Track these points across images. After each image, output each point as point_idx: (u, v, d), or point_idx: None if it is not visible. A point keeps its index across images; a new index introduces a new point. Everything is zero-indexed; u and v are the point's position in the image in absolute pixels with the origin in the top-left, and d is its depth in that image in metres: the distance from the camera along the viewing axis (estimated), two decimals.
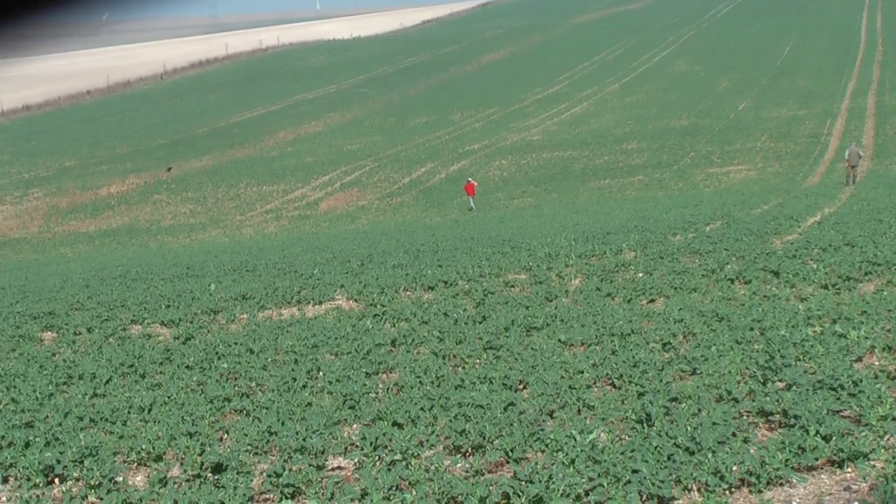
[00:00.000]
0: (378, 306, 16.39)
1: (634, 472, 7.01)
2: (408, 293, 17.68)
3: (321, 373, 11.51)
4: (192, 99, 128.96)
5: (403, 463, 7.90)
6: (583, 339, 11.98)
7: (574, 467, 7.24)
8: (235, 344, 13.77)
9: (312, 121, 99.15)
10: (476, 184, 50.94)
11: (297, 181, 66.52)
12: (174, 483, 7.93)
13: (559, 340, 12.02)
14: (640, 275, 17.11)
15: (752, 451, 7.31)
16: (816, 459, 7.19)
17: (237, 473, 7.90)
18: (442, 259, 21.90)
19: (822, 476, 7.08)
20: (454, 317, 14.35)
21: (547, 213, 40.67)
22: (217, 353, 13.29)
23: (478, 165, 65.19)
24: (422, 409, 9.28)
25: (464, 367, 11.27)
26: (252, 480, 7.82)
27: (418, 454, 8.06)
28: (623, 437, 8.09)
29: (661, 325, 12.23)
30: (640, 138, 67.65)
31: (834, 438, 7.38)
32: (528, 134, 77.25)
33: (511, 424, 8.44)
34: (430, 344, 12.57)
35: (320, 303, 17.63)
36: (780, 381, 9.17)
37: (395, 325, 14.48)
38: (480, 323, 13.78)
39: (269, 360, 12.60)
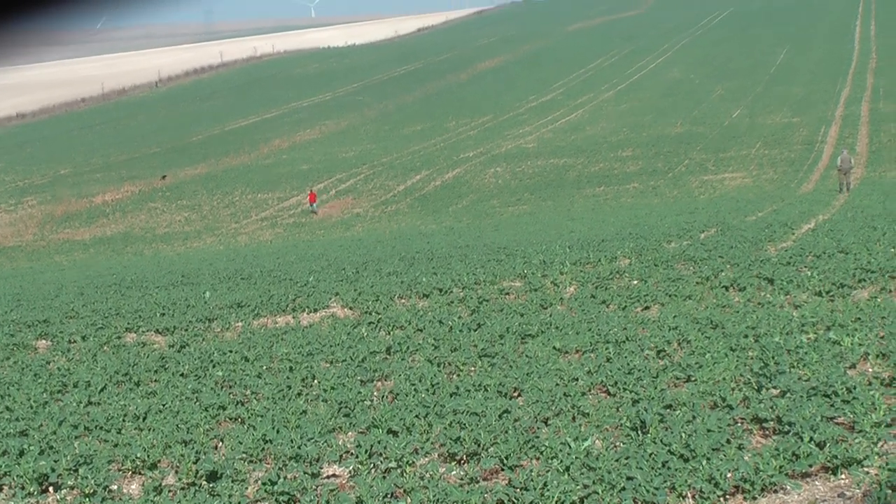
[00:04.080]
0: (373, 314, 16.39)
1: (629, 479, 7.03)
2: (403, 301, 17.68)
3: (316, 380, 11.51)
4: (186, 106, 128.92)
5: (398, 470, 7.90)
6: (578, 347, 11.99)
7: (569, 474, 7.25)
8: (230, 352, 13.76)
9: (307, 128, 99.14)
10: (315, 193, 59.64)
11: (292, 189, 66.50)
12: (169, 491, 7.92)
13: (554, 348, 12.03)
14: (635, 282, 17.13)
15: (746, 457, 7.32)
16: (811, 466, 7.21)
17: (232, 481, 7.90)
18: (437, 267, 21.91)
19: (817, 483, 7.09)
20: (449, 324, 14.35)
21: (542, 220, 40.71)
22: (212, 361, 13.28)
23: (473, 173, 65.24)
24: (417, 416, 9.29)
25: (459, 375, 11.27)
26: (247, 488, 7.82)
27: (413, 462, 8.06)
28: (618, 444, 8.10)
29: (656, 333, 12.25)
30: (635, 145, 67.73)
31: (828, 445, 7.40)
32: (523, 141, 77.32)
33: (506, 432, 8.45)
34: (425, 351, 12.57)
35: (315, 310, 17.64)
36: (775, 387, 9.19)
37: (390, 333, 14.48)
38: (475, 330, 13.78)
39: (264, 367, 12.59)
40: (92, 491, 7.94)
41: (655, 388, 9.53)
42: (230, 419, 10.25)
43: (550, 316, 14.44)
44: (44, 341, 16.91)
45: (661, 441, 7.77)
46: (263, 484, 7.68)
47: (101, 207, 67.99)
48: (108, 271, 33.13)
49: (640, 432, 8.23)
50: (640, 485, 6.89)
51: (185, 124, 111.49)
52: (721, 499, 6.85)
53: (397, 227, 47.22)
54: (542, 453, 7.90)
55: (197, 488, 7.91)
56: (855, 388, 8.63)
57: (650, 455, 7.45)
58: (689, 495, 6.94)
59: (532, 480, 7.06)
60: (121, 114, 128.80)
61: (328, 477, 8.17)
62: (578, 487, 6.94)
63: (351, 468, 8.18)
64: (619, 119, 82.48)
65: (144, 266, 35.17)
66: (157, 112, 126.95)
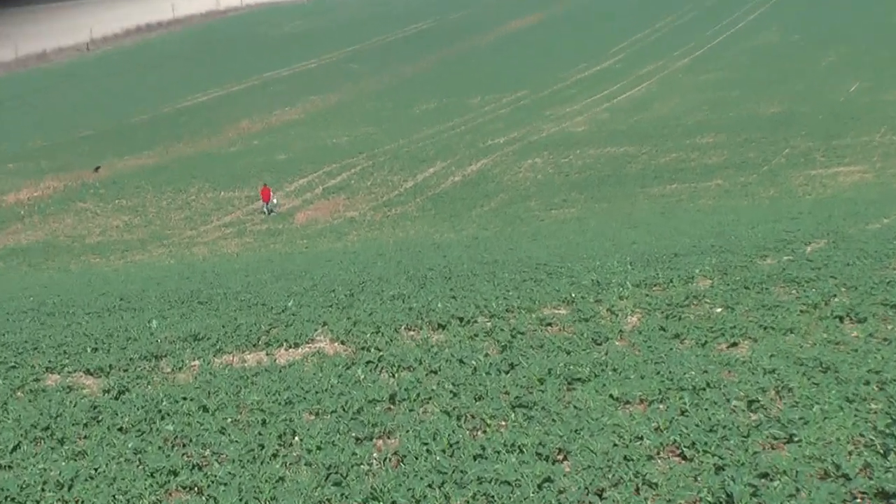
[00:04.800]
0: (372, 350, 16.39)
1: None
2: (411, 333, 17.68)
3: (297, 438, 11.51)
4: (127, 77, 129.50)
5: None
6: (642, 395, 11.96)
7: None
8: (184, 399, 13.78)
9: (286, 106, 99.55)
10: (270, 190, 62.75)
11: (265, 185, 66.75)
12: None
13: (610, 396, 12.01)
14: (718, 310, 17.09)
15: None
16: None
17: None
18: (456, 288, 21.89)
19: None
20: (472, 364, 14.34)
21: (594, 227, 40.66)
22: (160, 411, 13.30)
23: (503, 165, 65.31)
24: (429, 485, 9.28)
25: (485, 431, 11.27)
26: None
27: None
28: None
29: (747, 377, 12.21)
30: (717, 129, 67.66)
31: None
32: (570, 123, 77.37)
33: None
34: (441, 400, 12.57)
35: (296, 345, 17.64)
36: None
37: (394, 375, 14.48)
38: (507, 372, 13.77)
39: (229, 420, 12.60)
40: None
41: (746, 450, 9.50)
42: (183, 488, 10.26)
43: (606, 354, 14.41)
44: None
45: None
46: None
47: (15, 208, 68.36)
48: (22, 292, 33.25)
49: None
50: None
51: (125, 100, 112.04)
52: None
53: (404, 236, 47.23)
54: None
55: None
56: None
57: None
58: None
59: None
60: (40, 85, 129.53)
61: None
62: None
63: None
64: (697, 94, 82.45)
65: (71, 285, 35.27)
66: (88, 83, 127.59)
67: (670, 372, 12.77)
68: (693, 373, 12.61)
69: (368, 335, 17.49)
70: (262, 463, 10.65)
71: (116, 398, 14.70)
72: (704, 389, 11.90)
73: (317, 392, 13.50)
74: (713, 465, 9.23)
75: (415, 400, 12.79)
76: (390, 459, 10.50)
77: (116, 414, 13.33)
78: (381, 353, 16.00)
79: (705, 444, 9.83)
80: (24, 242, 59.11)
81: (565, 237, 36.91)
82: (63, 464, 11.17)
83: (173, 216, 62.16)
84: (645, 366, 13.31)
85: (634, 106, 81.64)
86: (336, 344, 17.57)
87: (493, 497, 8.76)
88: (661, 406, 11.53)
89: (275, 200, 61.44)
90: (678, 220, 40.47)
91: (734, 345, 14.72)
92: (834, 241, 25.04)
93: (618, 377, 12.87)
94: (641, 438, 10.27)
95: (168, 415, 13.09)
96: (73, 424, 13.02)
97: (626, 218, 44.42)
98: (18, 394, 15.62)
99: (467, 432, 11.18)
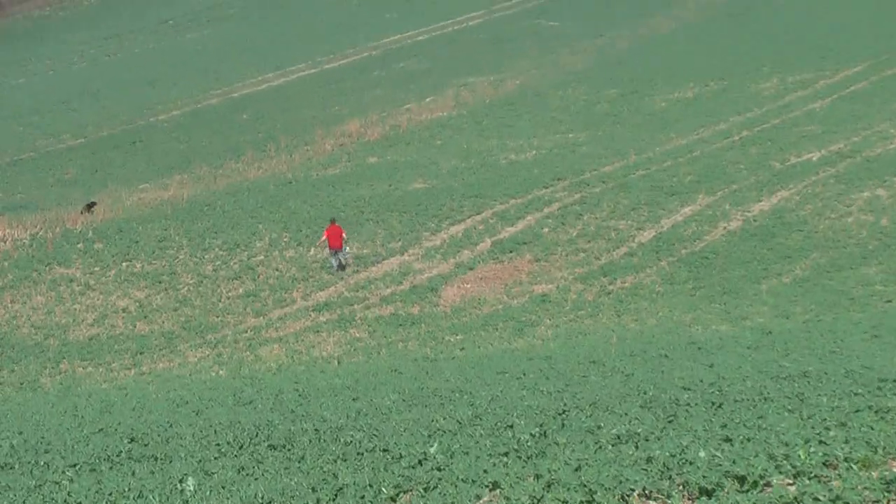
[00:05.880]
0: None
1: None
2: None
3: None
4: (141, 43, 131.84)
5: None
6: None
7: None
8: None
9: (426, 95, 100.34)
10: (343, 232, 66.32)
11: (388, 236, 67.34)
12: None
13: None
14: None
15: None
16: None
17: None
18: (732, 424, 22.05)
19: None
20: None
21: None
22: None
23: (819, 201, 65.00)
24: None
25: None
26: None
27: None
28: None
29: None
30: None
31: None
32: None
33: None
34: None
35: None
36: None
37: None
38: None
39: None
40: None
41: None
42: None
43: None
44: None
45: None
46: None
47: None
48: None
49: None
50: None
51: (135, 84, 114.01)
52: None
53: (637, 328, 47.19)
54: None
55: None
56: None
57: None
58: None
59: None
60: None
61: None
62: None
63: None
64: None
65: (43, 415, 35.98)
66: (69, 53, 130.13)
67: None
68: None
69: None
70: None
71: None
72: None
73: None
74: None
75: None
76: None
77: None
78: None
79: None
80: None
81: None
82: None
83: (224, 291, 62.97)
84: None
85: None
86: None
87: None
88: None
89: (346, 250, 64.10)
90: None
91: None
92: None
93: None
94: None
95: None
96: None
97: None
98: None
99: None
